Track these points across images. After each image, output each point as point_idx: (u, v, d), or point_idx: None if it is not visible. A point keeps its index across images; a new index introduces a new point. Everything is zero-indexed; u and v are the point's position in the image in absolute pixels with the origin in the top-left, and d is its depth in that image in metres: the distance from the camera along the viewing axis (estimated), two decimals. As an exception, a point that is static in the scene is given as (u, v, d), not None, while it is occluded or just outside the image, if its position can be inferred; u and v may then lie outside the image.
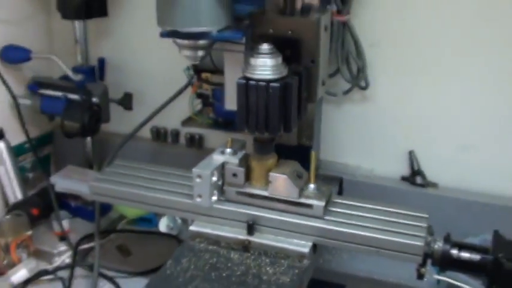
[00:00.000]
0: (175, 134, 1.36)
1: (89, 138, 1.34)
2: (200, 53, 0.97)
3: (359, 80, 1.17)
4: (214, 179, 0.99)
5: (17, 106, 1.22)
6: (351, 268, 1.10)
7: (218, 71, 1.10)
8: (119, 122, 1.33)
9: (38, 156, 1.34)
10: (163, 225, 1.27)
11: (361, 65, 1.16)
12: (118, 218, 1.30)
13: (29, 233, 1.16)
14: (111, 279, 1.13)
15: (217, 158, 1.01)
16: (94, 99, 1.22)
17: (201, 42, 0.95)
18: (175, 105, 1.17)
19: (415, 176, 1.19)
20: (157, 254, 1.20)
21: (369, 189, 1.15)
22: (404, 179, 1.21)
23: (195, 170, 0.98)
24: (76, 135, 1.21)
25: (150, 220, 1.30)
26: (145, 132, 1.33)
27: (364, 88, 1.18)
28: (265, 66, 0.91)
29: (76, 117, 1.19)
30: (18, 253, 1.15)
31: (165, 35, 0.94)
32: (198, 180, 0.98)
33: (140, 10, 1.29)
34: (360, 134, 1.21)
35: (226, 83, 1.03)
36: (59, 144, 1.42)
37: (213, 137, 1.32)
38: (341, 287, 1.08)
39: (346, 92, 1.19)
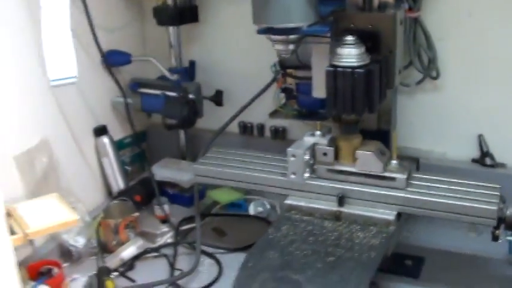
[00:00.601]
0: (261, 128, 1.51)
1: (182, 134, 1.51)
2: (291, 46, 1.12)
3: (430, 70, 1.31)
4: (306, 158, 1.14)
5: (126, 104, 1.40)
6: (429, 242, 1.23)
7: (302, 66, 1.25)
8: (208, 119, 1.49)
9: (137, 150, 1.51)
10: (253, 209, 1.42)
11: (431, 56, 1.30)
12: (211, 204, 1.45)
13: (136, 214, 1.32)
14: (210, 255, 1.28)
15: (308, 140, 1.16)
16: (190, 96, 1.38)
17: (292, 36, 1.10)
18: (260, 101, 1.32)
19: (484, 157, 1.31)
20: (249, 234, 1.34)
21: (442, 171, 1.27)
22: (474, 161, 1.33)
23: (290, 150, 1.13)
24: (176, 128, 1.38)
25: (240, 205, 1.45)
26: (233, 127, 1.49)
27: (435, 78, 1.32)
28: (350, 55, 1.05)
29: (176, 111, 1.35)
30: (126, 233, 1.31)
31: (261, 31, 1.10)
32: (292, 159, 1.13)
33: (227, 16, 1.46)
34: (432, 120, 1.34)
35: (313, 73, 1.18)
36: (153, 140, 1.59)
37: (295, 129, 1.47)
38: (420, 259, 1.20)
39: (419, 82, 1.32)
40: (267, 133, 1.50)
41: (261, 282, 0.93)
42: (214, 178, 1.20)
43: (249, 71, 1.45)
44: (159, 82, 1.41)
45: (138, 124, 1.56)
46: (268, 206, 1.41)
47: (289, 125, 1.46)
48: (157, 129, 1.54)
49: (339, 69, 1.04)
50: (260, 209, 1.41)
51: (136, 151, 1.54)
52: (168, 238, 1.34)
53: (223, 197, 1.44)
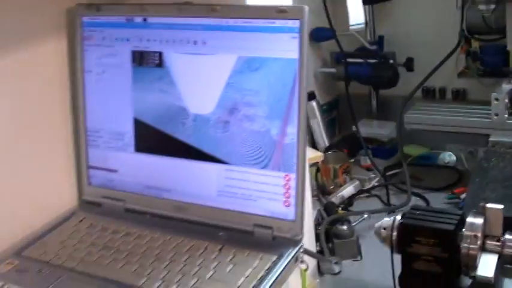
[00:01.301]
0: (443, 91, 1.77)
1: (374, 101, 1.79)
2: (492, 6, 1.38)
3: None
4: (506, 101, 1.40)
5: (346, 73, 1.69)
6: None
7: (488, 29, 1.51)
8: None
9: (331, 116, 1.82)
10: (442, 159, 1.68)
11: None
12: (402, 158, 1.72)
13: (351, 160, 1.62)
14: (417, 194, 1.55)
15: (505, 87, 1.41)
16: (390, 61, 1.67)
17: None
18: (442, 66, 1.60)
19: None
20: (442, 179, 1.61)
21: None
22: None
23: (493, 94, 1.39)
24: (384, 87, 1.67)
25: (429, 157, 1.72)
26: (416, 93, 1.77)
27: None
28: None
29: (382, 74, 1.65)
30: (343, 177, 1.61)
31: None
32: (495, 102, 1.39)
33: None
34: None
35: (508, 31, 1.43)
36: (343, 107, 1.89)
37: (474, 90, 1.72)
38: None
39: None
40: (449, 96, 1.76)
41: (491, 190, 1.20)
42: (424, 124, 1.47)
43: (432, 42, 1.72)
44: (360, 53, 1.70)
45: (331, 93, 1.86)
46: (454, 158, 1.67)
47: (470, 87, 1.72)
48: (345, 97, 1.82)
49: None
50: (448, 158, 1.67)
51: (331, 116, 1.84)
52: (375, 182, 1.63)
53: (414, 150, 1.72)
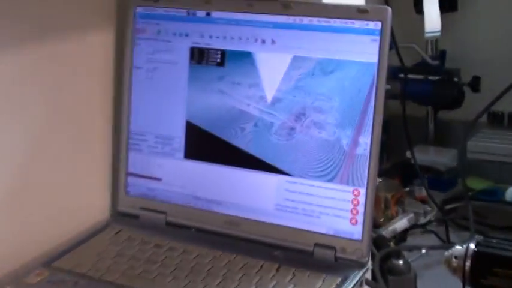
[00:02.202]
0: (512, 117, 1.88)
1: (431, 124, 1.91)
2: None
3: None
4: None
5: (403, 90, 1.79)
6: None
7: None
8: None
9: (385, 139, 1.93)
10: (510, 195, 1.78)
11: None
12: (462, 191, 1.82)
13: (406, 189, 1.72)
14: (481, 232, 1.65)
15: None
16: (455, 79, 1.79)
17: None
18: None
19: None
20: (509, 218, 1.71)
21: None
22: None
23: None
24: (446, 108, 1.79)
25: (494, 192, 1.82)
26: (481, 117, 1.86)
27: None
28: None
29: (446, 93, 1.77)
30: (395, 208, 1.72)
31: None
32: None
33: (484, 4, 1.86)
34: None
35: None
36: (394, 130, 2.01)
37: None
38: None
39: None
40: (518, 123, 1.86)
41: None
42: (490, 154, 1.58)
43: (502, 59, 1.83)
44: (420, 67, 1.82)
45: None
46: (523, 193, 1.76)
47: (543, 114, 1.82)
48: (398, 118, 1.92)
49: None
50: (517, 195, 1.76)
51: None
52: (431, 216, 1.73)
53: (476, 183, 1.82)
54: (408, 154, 1.79)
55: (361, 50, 0.96)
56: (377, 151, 0.96)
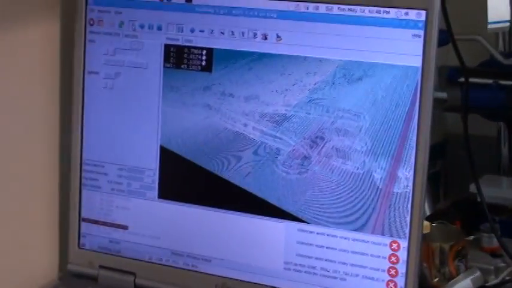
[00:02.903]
0: None
1: (505, 147, 1.89)
2: None
3: None
4: None
5: (466, 100, 1.76)
6: None
7: None
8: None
9: (431, 169, 1.90)
10: None
11: None
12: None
13: (468, 238, 1.70)
14: None
15: None
16: None
17: None
18: None
19: None
20: None
21: None
22: None
23: None
24: None
25: None
26: None
27: None
28: None
29: None
30: (455, 264, 1.69)
31: None
32: None
33: None
34: None
35: None
36: (453, 155, 1.98)
37: None
38: None
39: None
40: None
41: None
42: None
43: None
44: (488, 68, 1.79)
45: (436, 132, 1.95)
46: None
47: None
48: (458, 139, 1.89)
49: None
50: None
51: (434, 169, 1.93)
52: (506, 275, 1.70)
53: None
54: (473, 188, 1.76)
55: (399, 49, 0.96)
56: (423, 188, 0.97)
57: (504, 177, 1.83)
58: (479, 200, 1.66)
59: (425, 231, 1.45)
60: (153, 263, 1.08)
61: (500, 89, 1.77)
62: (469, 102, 1.68)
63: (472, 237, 1.66)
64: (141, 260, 1.09)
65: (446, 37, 1.65)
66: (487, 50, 1.77)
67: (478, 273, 1.60)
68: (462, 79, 1.72)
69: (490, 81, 1.77)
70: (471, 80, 1.71)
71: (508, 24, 1.71)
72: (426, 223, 1.46)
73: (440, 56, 1.77)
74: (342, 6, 0.98)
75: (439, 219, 1.70)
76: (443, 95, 1.82)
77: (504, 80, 1.76)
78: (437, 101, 1.84)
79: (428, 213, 1.79)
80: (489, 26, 1.70)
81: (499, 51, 1.78)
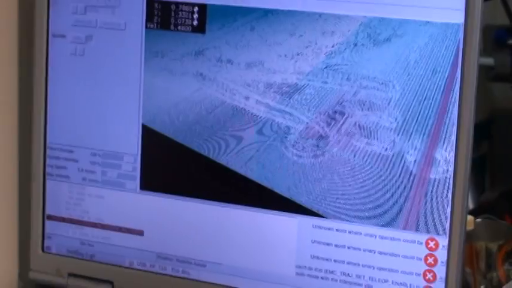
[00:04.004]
0: None
1: None
2: None
3: None
4: None
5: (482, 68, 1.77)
6: None
7: None
8: None
9: (475, 152, 1.91)
10: None
11: None
12: None
13: (522, 237, 1.71)
14: None
15: None
16: None
17: None
18: None
19: None
20: None
21: None
22: None
23: None
24: None
25: None
26: None
27: None
28: None
29: None
30: (505, 267, 1.70)
31: None
32: None
33: None
34: None
35: None
36: (503, 136, 1.99)
37: None
38: None
39: None
40: None
41: None
42: None
43: None
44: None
45: (481, 108, 1.96)
46: None
47: None
48: (510, 116, 1.90)
49: None
50: None
51: (479, 153, 1.94)
52: None
53: None
54: (527, 176, 1.77)
55: (436, 2, 0.96)
56: (466, 173, 0.98)
57: None
58: (533, 189, 1.66)
59: (469, 228, 1.46)
60: (134, 269, 1.09)
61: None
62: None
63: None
64: (119, 266, 1.09)
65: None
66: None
67: (537, 283, 1.60)
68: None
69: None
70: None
71: None
72: (470, 217, 1.47)
73: (486, 13, 1.79)
74: None
75: (484, 213, 1.72)
76: (489, 60, 1.83)
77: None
78: (482, 69, 1.86)
79: (471, 206, 1.80)
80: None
81: (557, 5, 1.76)
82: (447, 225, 0.98)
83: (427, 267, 0.98)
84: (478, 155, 1.95)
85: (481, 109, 1.89)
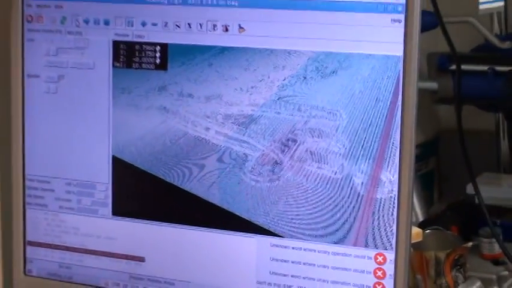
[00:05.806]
0: None
1: (504, 141, 1.89)
2: None
3: None
4: None
5: (458, 90, 1.75)
6: None
7: None
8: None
9: (423, 168, 1.90)
10: None
11: None
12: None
13: (468, 245, 1.70)
14: None
15: None
16: None
17: None
18: None
19: None
20: None
21: None
22: None
23: None
24: None
25: None
26: None
27: None
28: None
29: None
30: (453, 274, 1.69)
31: None
32: None
33: None
34: None
35: None
36: (447, 153, 1.98)
37: None
38: None
39: None
40: None
41: None
42: None
43: None
44: (482, 54, 1.79)
45: (428, 128, 1.94)
46: None
47: None
48: (452, 134, 1.88)
49: None
50: None
51: (426, 169, 1.93)
52: (509, 285, 1.70)
53: None
54: (470, 189, 1.76)
55: (377, 37, 0.95)
56: (409, 192, 0.96)
57: (504, 175, 1.83)
58: (477, 201, 1.65)
59: (417, 239, 1.44)
60: (108, 288, 1.01)
61: (496, 76, 1.77)
62: (462, 92, 1.68)
63: (470, 243, 1.65)
64: (96, 286, 1.07)
65: (433, 20, 1.64)
66: (480, 34, 1.75)
67: (478, 284, 1.60)
68: (453, 67, 1.72)
69: (485, 67, 1.76)
70: (464, 67, 1.72)
71: (502, 3, 1.69)
72: (418, 230, 1.46)
73: (429, 42, 1.78)
74: (313, -11, 0.95)
75: (433, 224, 1.71)
76: (433, 85, 1.82)
77: (501, 66, 1.75)
78: (427, 93, 1.84)
79: (421, 218, 1.79)
80: (481, 7, 1.68)
81: (493, 34, 1.76)
82: (393, 241, 0.96)
83: (377, 280, 0.96)
84: (426, 171, 1.93)
85: (428, 129, 1.88)
